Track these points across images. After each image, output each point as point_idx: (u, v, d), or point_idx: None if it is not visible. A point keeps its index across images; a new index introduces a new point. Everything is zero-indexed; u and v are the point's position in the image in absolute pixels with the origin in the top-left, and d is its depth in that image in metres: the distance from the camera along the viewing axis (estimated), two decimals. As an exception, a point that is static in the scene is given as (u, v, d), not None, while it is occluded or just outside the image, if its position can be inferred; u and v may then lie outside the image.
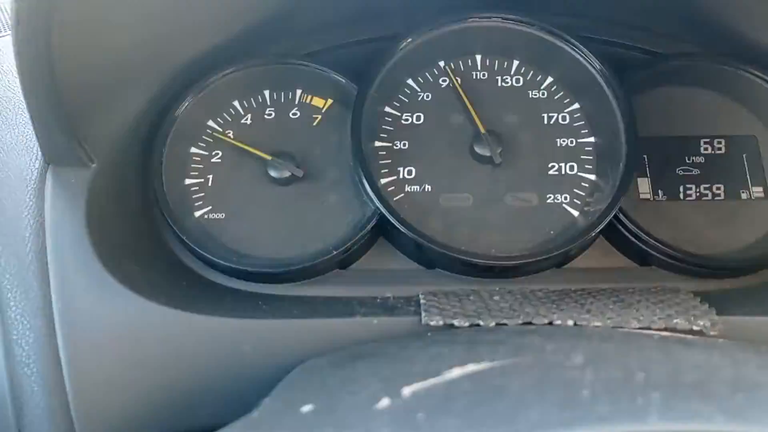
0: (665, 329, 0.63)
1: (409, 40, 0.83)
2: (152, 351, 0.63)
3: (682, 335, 0.59)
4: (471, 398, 0.36)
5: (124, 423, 0.61)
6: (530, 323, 0.63)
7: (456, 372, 0.40)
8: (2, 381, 0.62)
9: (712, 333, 0.63)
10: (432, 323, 0.64)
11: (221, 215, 0.80)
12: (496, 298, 0.70)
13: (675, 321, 0.64)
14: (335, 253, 0.75)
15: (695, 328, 0.64)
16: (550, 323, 0.63)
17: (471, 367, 0.40)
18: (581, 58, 0.81)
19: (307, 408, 0.40)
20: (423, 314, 0.65)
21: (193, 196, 0.81)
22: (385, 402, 0.37)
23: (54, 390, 0.61)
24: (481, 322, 0.63)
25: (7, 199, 0.68)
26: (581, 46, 0.81)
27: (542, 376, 0.38)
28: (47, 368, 0.62)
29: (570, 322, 0.63)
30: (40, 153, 0.69)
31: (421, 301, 0.69)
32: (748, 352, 0.46)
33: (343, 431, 0.36)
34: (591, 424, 0.31)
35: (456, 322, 0.64)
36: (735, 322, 0.65)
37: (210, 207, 0.81)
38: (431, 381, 0.39)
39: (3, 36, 0.92)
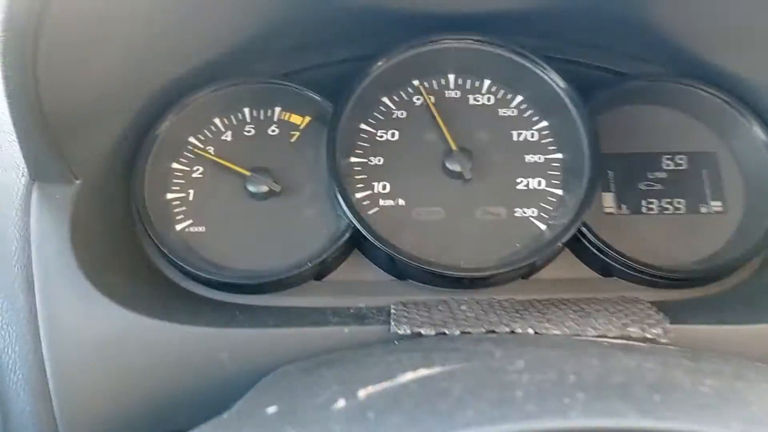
0: (620, 337, 0.68)
1: (384, 60, 0.88)
2: (133, 359, 0.68)
3: (631, 342, 0.64)
4: (417, 399, 0.40)
5: (106, 426, 0.66)
6: (493, 332, 0.68)
7: (408, 376, 0.44)
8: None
9: (663, 341, 0.68)
10: (400, 332, 0.68)
11: (201, 229, 0.85)
12: (464, 308, 0.75)
13: (630, 329, 0.69)
14: (310, 265, 0.80)
15: (648, 336, 0.69)
16: (512, 332, 0.68)
17: (422, 372, 0.45)
18: (548, 78, 0.86)
19: (271, 409, 0.45)
20: (392, 323, 0.70)
21: (175, 210, 0.86)
22: (341, 403, 0.42)
23: (39, 395, 0.65)
24: (447, 331, 0.68)
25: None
26: (548, 67, 0.86)
27: (484, 379, 0.43)
28: (32, 375, 0.66)
29: (530, 331, 0.68)
30: (26, 170, 0.73)
31: (392, 311, 0.74)
32: (682, 358, 0.50)
33: (302, 429, 0.40)
34: (518, 421, 0.36)
35: (423, 331, 0.68)
36: (687, 331, 0.70)
37: (191, 221, 0.85)
38: (384, 384, 0.43)
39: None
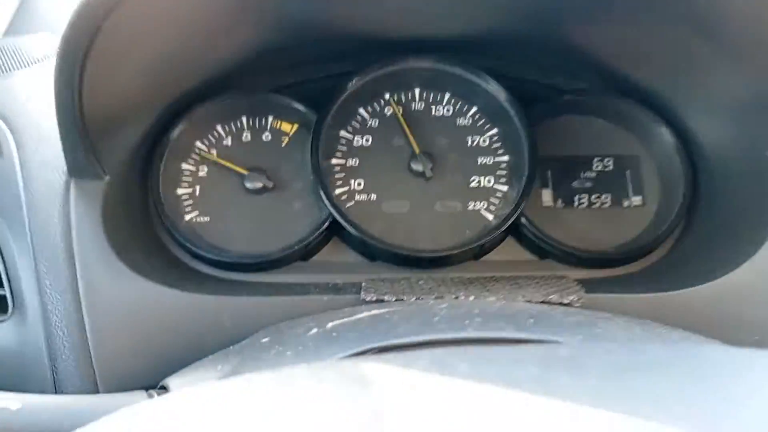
0: (542, 303, 0.88)
1: (360, 77, 1.07)
2: (153, 319, 0.87)
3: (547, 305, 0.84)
4: (367, 324, 0.60)
5: (132, 372, 0.85)
6: (441, 298, 0.88)
7: (364, 314, 0.64)
8: (41, 341, 0.86)
9: (577, 305, 0.88)
10: (367, 299, 0.88)
11: (206, 218, 1.04)
12: (421, 282, 0.95)
13: (551, 297, 0.88)
14: (297, 248, 1.00)
15: (565, 302, 0.88)
16: (456, 298, 0.88)
17: (374, 312, 0.65)
18: (496, 93, 1.06)
19: (265, 340, 0.64)
20: (362, 293, 0.90)
21: (184, 203, 1.05)
22: (314, 330, 0.62)
23: (80, 347, 0.85)
24: (405, 298, 0.88)
25: (40, 205, 0.92)
26: (496, 83, 1.05)
27: (415, 313, 0.62)
28: (74, 331, 0.85)
29: (471, 298, 0.88)
30: (65, 168, 0.93)
31: (363, 284, 0.93)
32: (570, 310, 0.70)
33: (284, 347, 0.60)
34: (430, 334, 0.55)
35: (386, 297, 0.88)
36: (597, 298, 0.90)
37: (197, 212, 1.05)
38: (346, 318, 0.63)
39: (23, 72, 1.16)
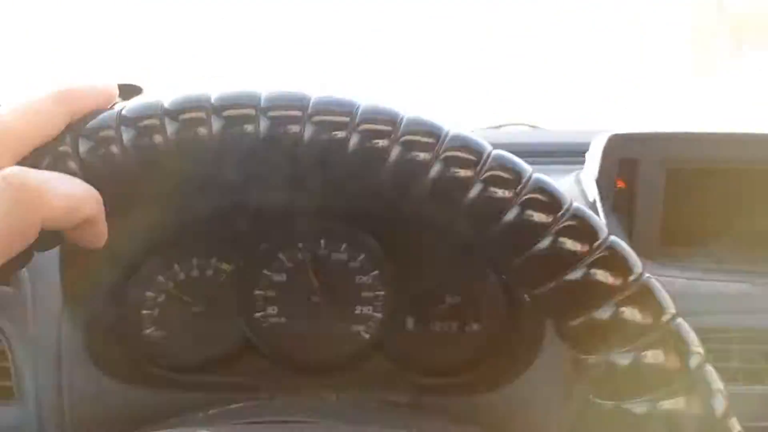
0: (387, 402, 1.31)
1: (280, 232, 1.55)
2: (115, 406, 1.30)
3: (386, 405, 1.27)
4: (233, 411, 1.03)
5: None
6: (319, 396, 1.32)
7: (239, 405, 1.08)
8: (34, 421, 1.29)
9: (410, 403, 1.31)
10: (263, 396, 1.31)
11: (161, 332, 1.49)
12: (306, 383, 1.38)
13: (392, 398, 1.32)
14: (223, 356, 1.44)
15: (402, 401, 1.31)
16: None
17: (248, 403, 1.08)
18: (374, 245, 1.53)
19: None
20: (261, 391, 1.33)
21: (145, 321, 1.49)
22: (200, 414, 1.05)
23: (61, 426, 1.28)
24: (290, 395, 1.31)
25: (42, 323, 1.36)
26: (373, 238, 1.52)
27: (264, 406, 1.06)
28: (57, 414, 1.28)
29: (334, 396, 1.31)
30: (62, 298, 1.38)
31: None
32: (394, 411, 1.14)
33: (207, 426, 1.03)
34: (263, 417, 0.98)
35: (277, 394, 1.31)
36: (427, 399, 1.33)
37: (154, 327, 1.48)
38: (225, 407, 1.07)
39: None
